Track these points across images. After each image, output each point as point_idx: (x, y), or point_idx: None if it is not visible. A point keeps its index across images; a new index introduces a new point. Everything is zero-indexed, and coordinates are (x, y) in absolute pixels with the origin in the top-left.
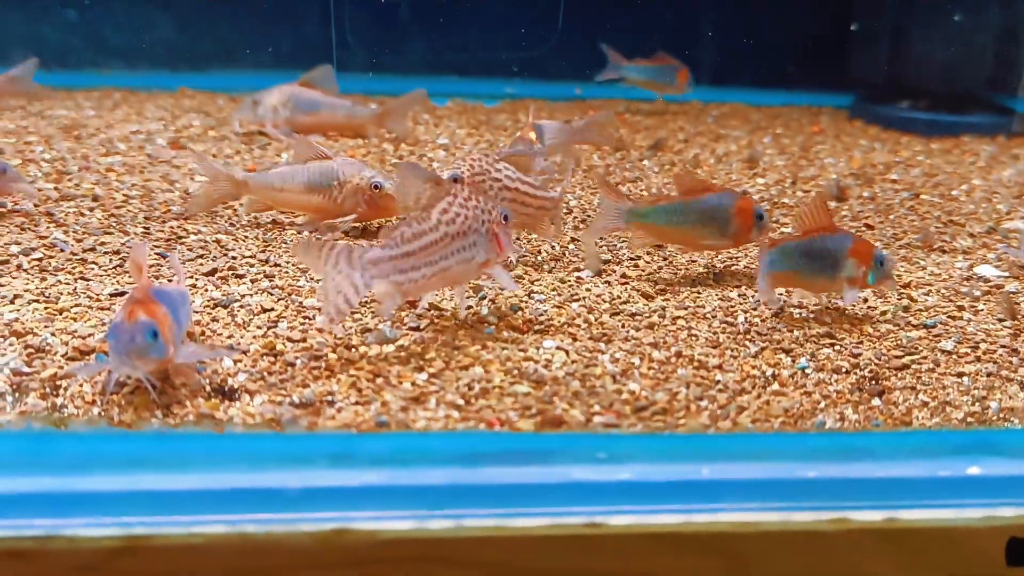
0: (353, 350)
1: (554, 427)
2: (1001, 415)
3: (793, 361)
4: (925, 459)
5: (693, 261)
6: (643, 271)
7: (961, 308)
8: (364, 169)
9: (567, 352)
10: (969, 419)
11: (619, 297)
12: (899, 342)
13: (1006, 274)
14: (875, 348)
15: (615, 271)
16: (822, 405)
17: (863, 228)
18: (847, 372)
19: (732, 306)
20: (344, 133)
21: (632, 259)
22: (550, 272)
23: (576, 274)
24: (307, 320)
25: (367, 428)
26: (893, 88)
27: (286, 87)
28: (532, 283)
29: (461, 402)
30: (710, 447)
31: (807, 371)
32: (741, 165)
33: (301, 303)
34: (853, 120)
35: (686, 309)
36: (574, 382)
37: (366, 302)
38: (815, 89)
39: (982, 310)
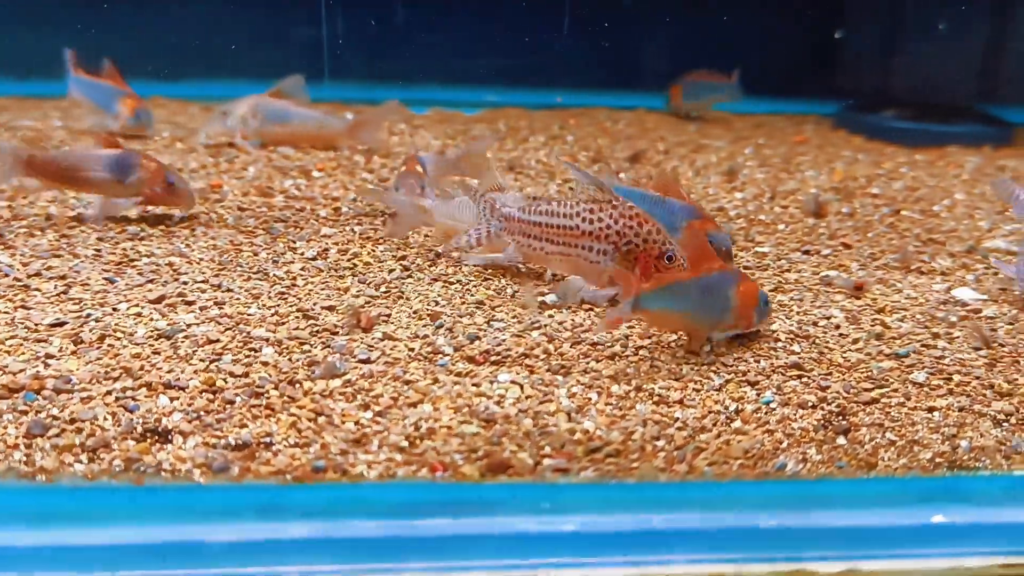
0: (297, 386)
1: (500, 471)
2: (971, 455)
3: (758, 395)
4: (888, 507)
5: None
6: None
7: (936, 335)
8: None
9: (522, 386)
10: (938, 459)
11: (581, 324)
12: (869, 373)
13: (984, 297)
14: (844, 380)
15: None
16: (784, 445)
17: (840, 247)
18: (813, 407)
19: None
20: (316, 145)
21: None
22: (513, 297)
23: (540, 299)
24: (253, 352)
25: (302, 474)
26: (879, 97)
27: (255, 97)
28: (494, 309)
29: (405, 444)
30: (661, 495)
31: (772, 406)
32: (720, 178)
33: (249, 333)
34: (838, 129)
35: (650, 338)
36: (526, 420)
37: (317, 331)
38: (800, 97)
39: (958, 337)
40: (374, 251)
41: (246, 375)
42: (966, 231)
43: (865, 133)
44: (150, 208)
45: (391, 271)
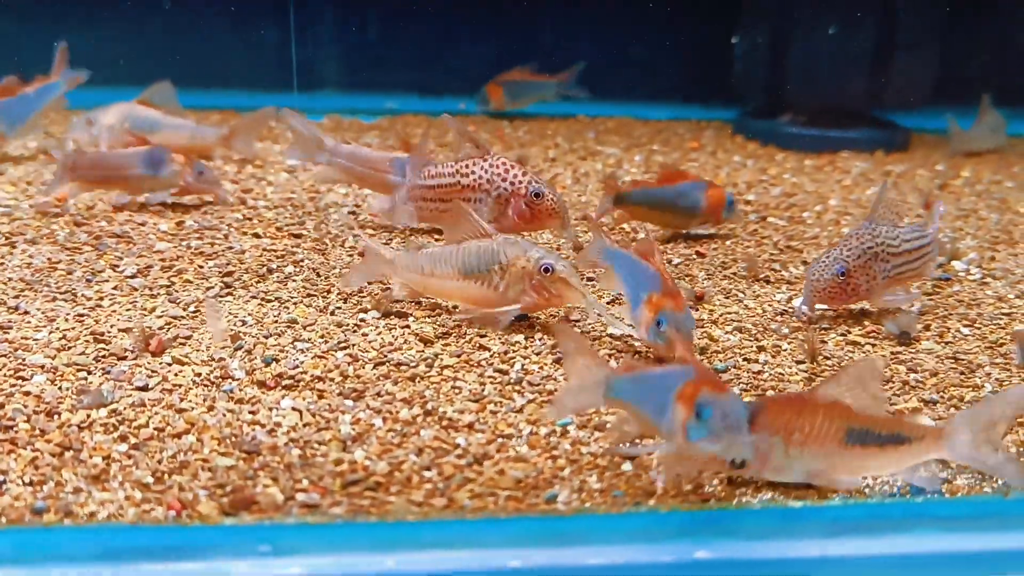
0: (56, 417)
1: (244, 508)
2: (754, 482)
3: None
4: (648, 542)
5: None
6: (433, 312)
7: (762, 349)
8: (530, 248)
9: (302, 413)
10: (719, 485)
11: (391, 343)
12: None
13: (825, 306)
14: None
15: (409, 312)
16: (565, 472)
17: (694, 255)
18: (612, 429)
19: (512, 352)
20: (188, 154)
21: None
22: (333, 314)
23: (361, 316)
24: (21, 381)
25: (17, 516)
26: (776, 103)
27: (123, 105)
28: (304, 328)
29: (150, 480)
30: (401, 535)
31: (568, 428)
32: (598, 185)
33: (24, 360)
34: (736, 135)
35: (459, 356)
36: (294, 451)
37: (103, 355)
38: (703, 103)
39: (785, 350)
40: (201, 268)
41: (1, 407)
42: (827, 238)
43: (761, 139)
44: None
45: (209, 289)
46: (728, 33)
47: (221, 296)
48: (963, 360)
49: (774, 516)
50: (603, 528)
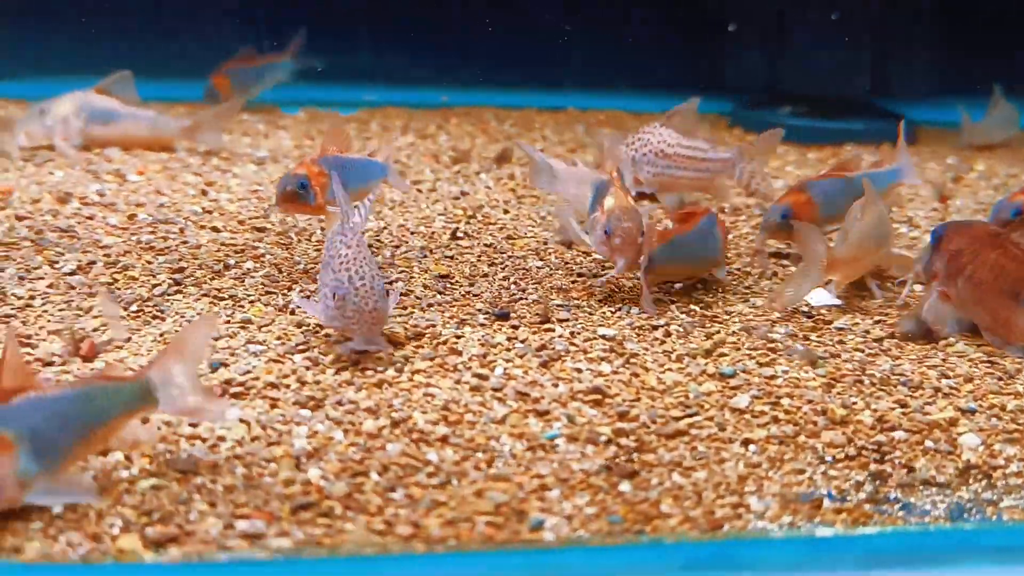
0: None
1: (170, 541)
2: (777, 503)
3: (544, 427)
4: None
5: (475, 295)
6: (403, 310)
7: (774, 350)
8: None
9: (251, 424)
10: (738, 509)
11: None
12: (684, 397)
13: (839, 302)
14: (652, 407)
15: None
16: (554, 494)
17: None
18: (607, 442)
19: (492, 355)
20: (150, 147)
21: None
22: (293, 313)
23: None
24: None
25: None
26: (775, 93)
27: (79, 94)
28: (260, 329)
29: (59, 507)
30: (353, 572)
31: (556, 441)
32: None
33: None
34: (733, 127)
35: (433, 360)
36: (238, 469)
37: (25, 362)
38: (702, 94)
39: (801, 351)
40: (150, 264)
41: None
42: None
43: (759, 131)
44: None
45: (156, 286)
46: (724, 21)
47: (169, 294)
48: (999, 364)
49: (805, 546)
50: (596, 563)
